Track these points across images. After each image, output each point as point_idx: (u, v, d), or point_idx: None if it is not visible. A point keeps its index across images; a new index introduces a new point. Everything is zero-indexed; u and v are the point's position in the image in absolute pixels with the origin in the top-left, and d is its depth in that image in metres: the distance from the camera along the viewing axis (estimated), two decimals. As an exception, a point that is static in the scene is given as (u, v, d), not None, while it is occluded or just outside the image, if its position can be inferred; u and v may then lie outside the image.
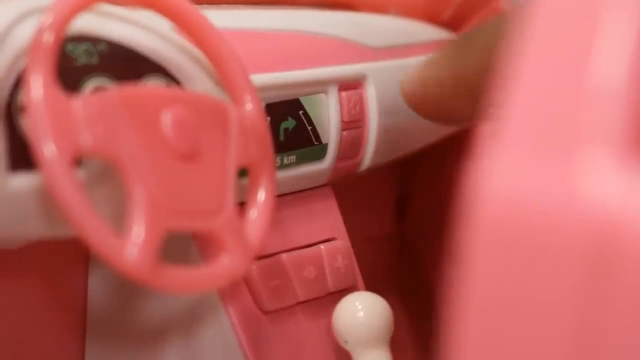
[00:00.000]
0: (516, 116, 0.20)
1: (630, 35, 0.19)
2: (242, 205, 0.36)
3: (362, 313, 0.38)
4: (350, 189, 0.45)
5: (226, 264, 0.34)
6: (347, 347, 0.38)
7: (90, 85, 0.33)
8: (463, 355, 0.20)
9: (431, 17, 0.50)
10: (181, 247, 0.38)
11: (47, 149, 0.30)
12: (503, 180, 0.19)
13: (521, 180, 0.19)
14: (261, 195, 0.36)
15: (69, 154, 0.30)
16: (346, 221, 0.43)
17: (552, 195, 0.19)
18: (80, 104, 0.31)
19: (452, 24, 0.51)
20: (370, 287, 0.42)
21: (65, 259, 0.39)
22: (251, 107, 0.36)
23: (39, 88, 0.30)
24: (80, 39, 0.33)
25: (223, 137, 0.35)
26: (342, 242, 0.42)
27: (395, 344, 0.39)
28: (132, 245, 0.31)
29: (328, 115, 0.42)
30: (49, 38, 0.31)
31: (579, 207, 0.19)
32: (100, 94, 0.32)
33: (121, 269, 0.31)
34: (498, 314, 0.20)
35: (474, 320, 0.20)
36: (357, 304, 0.38)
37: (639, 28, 0.19)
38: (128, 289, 0.39)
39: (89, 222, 0.30)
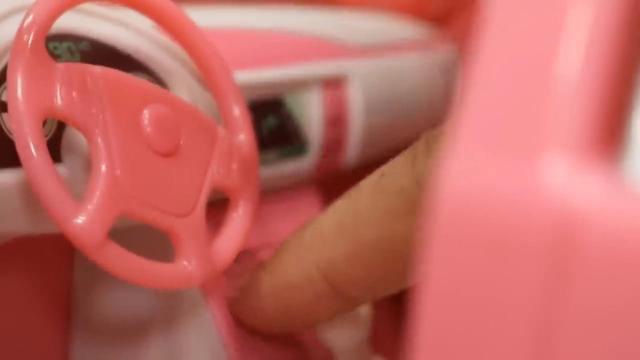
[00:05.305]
0: (476, 113, 0.20)
1: (591, 33, 0.19)
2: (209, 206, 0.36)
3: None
4: (336, 188, 0.46)
5: (179, 268, 0.34)
6: (330, 344, 0.39)
7: (72, 83, 0.33)
8: (422, 353, 0.20)
9: (418, 14, 0.51)
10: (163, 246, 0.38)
11: (19, 101, 0.30)
12: (462, 176, 0.19)
13: (481, 177, 0.19)
14: (237, 222, 0.36)
15: (39, 109, 0.31)
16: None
17: (511, 191, 0.19)
18: (62, 67, 0.32)
19: (439, 21, 0.51)
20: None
21: (50, 255, 0.39)
22: (243, 138, 0.37)
23: (19, 87, 0.30)
24: (63, 37, 0.34)
25: (207, 150, 0.35)
26: (325, 240, 0.42)
27: (380, 342, 0.39)
28: (84, 212, 0.31)
29: (311, 113, 0.42)
30: (30, 37, 0.31)
31: (538, 203, 0.19)
32: (85, 66, 0.32)
33: (67, 233, 0.31)
34: (457, 311, 0.20)
35: (433, 319, 0.20)
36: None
37: (599, 26, 0.19)
38: (113, 284, 0.39)
39: (46, 181, 0.30)
